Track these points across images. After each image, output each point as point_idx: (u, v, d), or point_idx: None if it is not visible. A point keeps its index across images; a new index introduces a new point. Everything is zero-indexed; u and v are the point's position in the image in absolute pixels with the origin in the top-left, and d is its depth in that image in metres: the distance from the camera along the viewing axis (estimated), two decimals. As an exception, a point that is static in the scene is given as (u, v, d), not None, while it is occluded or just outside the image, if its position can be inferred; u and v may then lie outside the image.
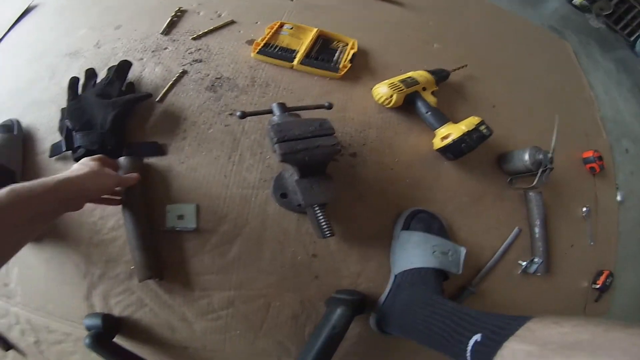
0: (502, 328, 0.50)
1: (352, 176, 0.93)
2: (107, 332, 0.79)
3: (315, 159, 0.73)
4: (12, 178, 0.85)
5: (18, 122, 0.93)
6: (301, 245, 0.86)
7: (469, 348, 0.53)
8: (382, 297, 0.82)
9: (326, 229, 0.74)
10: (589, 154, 1.18)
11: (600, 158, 1.17)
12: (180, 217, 0.85)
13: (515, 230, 0.97)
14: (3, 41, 1.19)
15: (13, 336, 0.88)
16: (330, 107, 0.87)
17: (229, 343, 0.84)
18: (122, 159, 0.85)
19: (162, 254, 0.84)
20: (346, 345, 0.81)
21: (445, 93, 1.10)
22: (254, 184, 0.90)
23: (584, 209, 1.09)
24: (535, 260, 0.94)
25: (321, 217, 0.74)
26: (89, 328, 0.80)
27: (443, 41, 1.31)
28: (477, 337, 0.53)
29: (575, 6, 2.32)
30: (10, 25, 1.23)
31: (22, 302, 0.84)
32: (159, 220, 0.86)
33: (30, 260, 0.85)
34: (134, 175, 0.81)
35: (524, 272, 0.94)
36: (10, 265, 0.84)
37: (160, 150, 0.92)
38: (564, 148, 1.11)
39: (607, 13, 2.32)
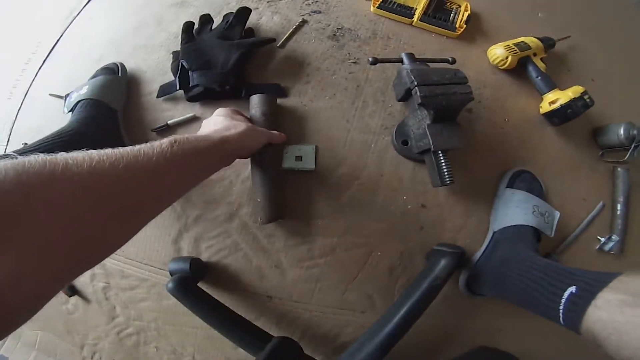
0: (596, 280, 0.54)
1: (467, 131, 0.95)
2: (193, 276, 0.82)
3: (452, 104, 0.76)
4: (115, 117, 0.90)
5: (122, 65, 0.98)
6: (413, 194, 0.89)
7: (564, 300, 0.57)
8: (477, 255, 0.85)
9: (448, 176, 0.77)
10: None
11: None
12: (299, 158, 0.88)
13: (600, 204, 0.98)
14: None
15: (80, 281, 0.92)
16: (453, 61, 0.91)
17: (317, 294, 0.87)
18: (255, 97, 0.88)
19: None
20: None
21: (550, 62, 1.11)
22: (375, 129, 0.93)
23: None
24: (613, 237, 0.95)
25: (444, 164, 0.78)
26: (172, 272, 0.83)
27: (547, 10, 1.31)
28: (572, 289, 0.57)
29: None
30: None
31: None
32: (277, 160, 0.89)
33: None
34: (282, 134, 0.82)
35: (600, 248, 0.96)
36: None
37: (282, 92, 0.96)
38: None
39: None
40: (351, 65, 1.00)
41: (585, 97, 0.96)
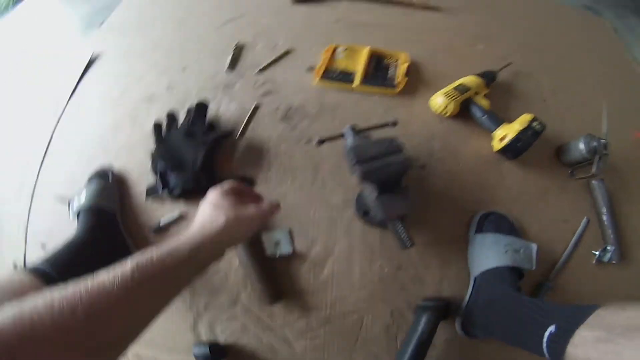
0: (573, 317, 0.54)
1: (424, 187, 0.98)
2: (215, 359, 0.85)
3: (390, 175, 0.78)
4: (114, 219, 0.95)
5: (111, 170, 1.05)
6: (387, 259, 0.91)
7: (545, 340, 0.57)
8: (465, 300, 0.85)
9: (406, 240, 0.77)
10: None
11: None
12: (277, 243, 0.92)
13: (584, 220, 0.96)
14: (75, 93, 1.30)
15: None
16: (395, 124, 0.94)
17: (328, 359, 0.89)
18: None
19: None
20: (436, 353, 0.84)
21: (497, 93, 1.14)
22: (338, 205, 0.97)
23: None
24: (608, 248, 0.93)
25: (401, 229, 0.78)
26: (197, 357, 0.86)
27: (485, 40, 1.36)
28: (551, 328, 0.57)
29: None
30: (78, 77, 1.35)
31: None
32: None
33: None
34: (274, 204, 0.73)
35: (599, 261, 0.93)
36: None
37: (250, 183, 1.01)
38: (620, 130, 1.11)
39: None
40: (305, 145, 1.06)
41: (535, 124, 0.97)
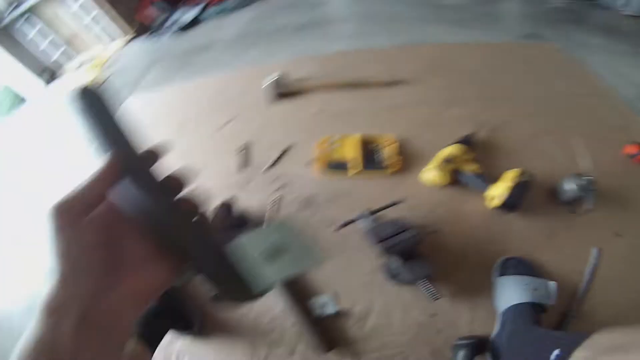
0: (574, 342, 0.62)
1: (441, 249, 1.05)
2: None
3: (407, 247, 0.94)
4: (176, 288, 1.05)
5: None
6: (421, 309, 0.98)
7: None
8: (492, 335, 0.92)
9: (434, 295, 0.91)
10: (633, 150, 1.16)
11: None
12: (323, 305, 1.02)
13: (595, 251, 1.00)
14: None
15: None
16: (400, 201, 1.11)
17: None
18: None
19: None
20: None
21: (483, 151, 1.23)
22: (370, 271, 1.05)
23: None
24: None
25: (428, 286, 0.92)
26: None
27: (458, 102, 1.46)
28: (557, 351, 0.65)
29: None
30: None
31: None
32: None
33: (199, 351, 1.00)
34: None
35: None
36: (180, 356, 0.99)
37: None
38: (605, 153, 1.19)
39: None
40: (328, 227, 1.17)
41: (523, 177, 1.04)
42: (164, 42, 3.22)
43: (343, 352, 0.96)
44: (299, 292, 1.04)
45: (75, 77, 3.43)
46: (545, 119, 1.35)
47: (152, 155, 0.41)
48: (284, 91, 1.67)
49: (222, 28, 2.98)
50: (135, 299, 0.38)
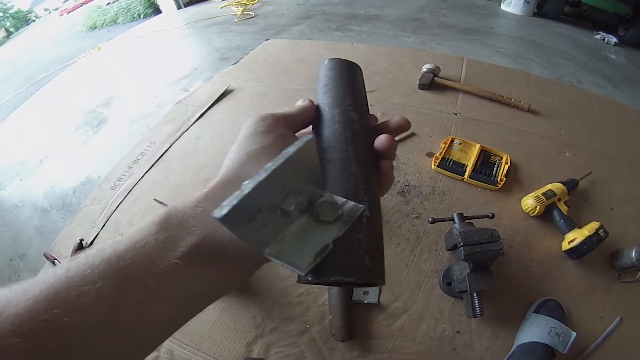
0: None
1: (498, 272, 1.10)
2: None
3: (486, 259, 0.96)
4: None
5: None
6: (450, 323, 1.03)
7: None
8: None
9: (478, 310, 0.95)
10: None
11: None
12: (366, 292, 1.04)
13: (617, 319, 1.05)
14: (206, 114, 1.53)
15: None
16: (492, 217, 1.18)
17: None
18: None
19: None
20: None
21: (574, 198, 1.34)
22: (427, 273, 1.11)
23: None
24: None
25: (477, 301, 0.96)
26: None
27: (573, 148, 1.57)
28: None
29: None
30: (210, 103, 1.58)
31: (173, 336, 0.98)
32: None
33: None
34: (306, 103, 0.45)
35: None
36: None
37: None
38: None
39: None
40: (414, 219, 1.24)
41: (600, 231, 1.15)
42: (327, 1, 3.26)
43: (354, 345, 0.98)
44: None
45: (218, 7, 3.51)
46: (638, 190, 1.44)
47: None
48: (435, 82, 1.82)
49: (390, 6, 3.04)
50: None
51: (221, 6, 3.51)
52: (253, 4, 3.45)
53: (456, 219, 1.12)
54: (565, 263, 1.19)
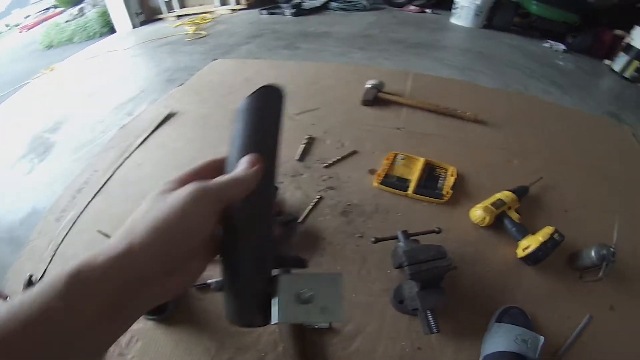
0: None
1: (453, 285, 1.12)
2: None
3: (434, 276, 0.97)
4: None
5: None
6: (409, 340, 1.03)
7: None
8: None
9: (434, 327, 0.94)
10: None
11: None
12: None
13: (587, 317, 1.09)
14: (144, 145, 1.54)
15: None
16: (439, 231, 1.19)
17: None
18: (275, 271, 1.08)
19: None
20: None
21: (526, 205, 1.38)
22: (376, 292, 1.11)
23: None
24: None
25: (431, 318, 0.95)
26: None
27: (521, 156, 1.63)
28: None
29: (627, 79, 2.60)
30: (152, 128, 1.59)
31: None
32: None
33: (158, 338, 0.98)
34: (255, 166, 0.45)
35: None
36: (134, 338, 0.97)
37: (302, 263, 1.11)
38: (632, 236, 1.33)
39: None
40: (357, 239, 1.24)
41: (555, 235, 1.18)
42: (278, 20, 3.39)
43: None
44: None
45: (172, 26, 3.64)
46: (592, 192, 1.52)
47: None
48: (379, 98, 1.86)
49: (340, 23, 3.19)
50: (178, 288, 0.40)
51: (175, 25, 3.58)
52: (206, 23, 3.53)
53: (400, 237, 1.12)
54: (523, 270, 1.22)
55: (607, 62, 2.86)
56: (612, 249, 1.17)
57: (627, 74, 2.58)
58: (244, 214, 0.45)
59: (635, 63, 2.53)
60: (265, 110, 0.52)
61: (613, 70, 2.71)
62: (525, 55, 2.70)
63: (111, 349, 0.89)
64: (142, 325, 0.99)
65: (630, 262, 1.27)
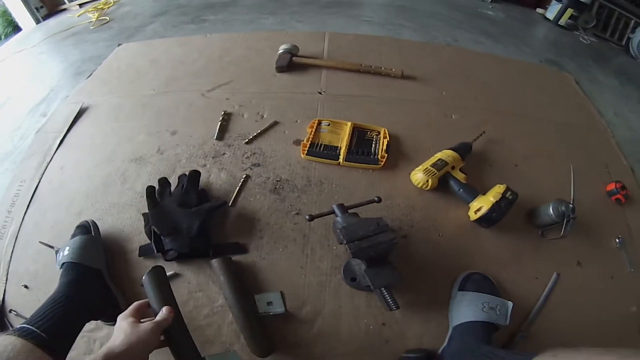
0: None
1: (406, 254, 1.10)
2: None
3: (378, 252, 0.91)
4: (99, 275, 1.02)
5: (94, 223, 1.13)
6: (372, 317, 1.01)
7: None
8: (440, 349, 0.99)
9: (392, 304, 0.89)
10: (612, 187, 1.31)
11: (623, 187, 1.30)
12: (270, 303, 1.01)
13: (554, 276, 1.10)
14: (63, 144, 1.42)
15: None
16: (379, 200, 1.09)
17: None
18: (214, 261, 1.04)
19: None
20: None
21: (472, 162, 1.31)
22: (326, 271, 1.08)
23: (617, 240, 1.20)
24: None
25: (387, 296, 0.90)
26: None
27: (459, 110, 1.56)
28: None
29: (562, 27, 2.61)
30: (67, 127, 1.47)
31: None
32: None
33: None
34: (168, 314, 0.82)
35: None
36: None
37: (243, 249, 1.12)
38: (587, 186, 1.31)
39: (592, 25, 2.58)
40: (294, 216, 1.18)
41: (508, 194, 1.12)
42: None
43: (282, 357, 0.98)
44: (243, 286, 1.02)
45: (76, 15, 3.43)
46: (541, 142, 1.48)
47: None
48: (294, 63, 1.73)
49: None
50: (145, 337, 0.74)
51: (78, 14, 3.32)
52: (109, 8, 3.29)
53: (337, 211, 1.05)
54: (480, 232, 1.17)
55: (539, 10, 2.85)
56: (571, 205, 1.12)
57: (562, 22, 2.60)
58: (171, 330, 0.81)
59: (570, 11, 2.54)
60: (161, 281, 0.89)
61: (547, 19, 2.71)
62: (450, 6, 2.64)
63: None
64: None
65: (590, 213, 1.24)
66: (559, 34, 2.54)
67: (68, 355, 0.80)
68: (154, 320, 0.79)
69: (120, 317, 0.79)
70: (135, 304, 0.83)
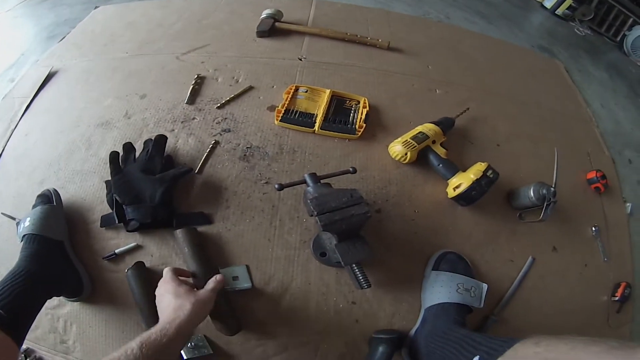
0: (495, 350, 0.65)
1: (379, 230, 1.08)
2: None
3: (351, 226, 0.88)
4: (61, 247, 0.99)
5: (56, 192, 1.08)
6: (342, 295, 1.00)
7: None
8: (412, 331, 0.98)
9: (364, 282, 0.88)
10: (592, 175, 1.32)
11: (603, 177, 1.31)
12: (235, 277, 0.99)
13: (529, 259, 1.11)
14: (29, 110, 1.38)
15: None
16: (354, 171, 1.05)
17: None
18: (178, 231, 1.01)
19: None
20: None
21: (453, 139, 1.29)
22: (295, 245, 1.06)
23: (593, 229, 1.22)
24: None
25: (359, 273, 0.89)
26: None
27: (444, 85, 1.53)
28: (476, 358, 0.69)
29: (558, 16, 2.62)
30: (34, 92, 1.43)
31: (81, 357, 0.94)
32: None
33: (89, 319, 0.96)
34: (220, 278, 0.87)
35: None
36: (68, 323, 0.96)
37: (208, 220, 1.08)
38: (568, 172, 1.31)
39: (589, 18, 2.59)
40: (264, 185, 1.14)
41: (489, 173, 1.09)
42: None
43: (249, 335, 0.97)
44: (208, 259, 1.00)
45: None
46: (526, 125, 1.47)
47: None
48: (276, 28, 1.69)
49: None
50: (207, 304, 0.81)
51: None
52: None
53: (308, 180, 1.01)
54: (457, 210, 1.16)
55: (537, -3, 2.88)
56: (552, 189, 1.12)
57: (559, 12, 2.61)
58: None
59: (569, 1, 2.55)
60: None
61: (544, 7, 2.72)
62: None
63: (52, 338, 0.95)
64: (70, 309, 0.98)
65: (569, 199, 1.25)
66: (555, 23, 2.54)
67: (32, 334, 0.78)
68: (211, 288, 0.84)
69: (167, 284, 0.82)
70: (169, 270, 0.87)
